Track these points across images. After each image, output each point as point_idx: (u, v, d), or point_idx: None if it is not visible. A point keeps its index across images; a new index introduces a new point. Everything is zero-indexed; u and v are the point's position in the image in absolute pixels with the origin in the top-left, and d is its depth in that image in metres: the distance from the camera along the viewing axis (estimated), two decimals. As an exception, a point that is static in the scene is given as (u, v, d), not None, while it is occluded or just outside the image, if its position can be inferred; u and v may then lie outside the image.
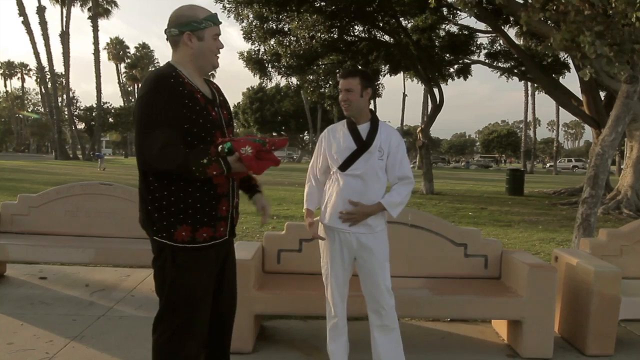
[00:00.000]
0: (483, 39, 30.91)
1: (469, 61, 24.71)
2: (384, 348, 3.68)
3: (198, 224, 2.69)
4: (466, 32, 22.96)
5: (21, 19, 52.51)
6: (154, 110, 2.57)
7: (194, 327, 2.77)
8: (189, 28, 2.71)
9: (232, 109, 3.06)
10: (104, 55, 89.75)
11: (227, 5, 19.80)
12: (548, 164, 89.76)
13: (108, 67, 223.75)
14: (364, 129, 3.61)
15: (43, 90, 69.17)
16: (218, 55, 2.85)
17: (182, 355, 2.74)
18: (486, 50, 24.33)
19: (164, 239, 2.67)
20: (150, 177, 2.65)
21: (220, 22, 2.84)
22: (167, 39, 2.80)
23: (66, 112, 62.64)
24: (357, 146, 3.57)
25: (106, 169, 35.35)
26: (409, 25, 22.75)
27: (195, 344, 2.79)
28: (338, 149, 3.61)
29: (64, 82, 63.94)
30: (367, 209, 3.53)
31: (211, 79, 3.03)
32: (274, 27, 21.07)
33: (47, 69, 59.12)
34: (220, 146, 2.67)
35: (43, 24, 54.28)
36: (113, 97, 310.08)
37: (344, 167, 3.58)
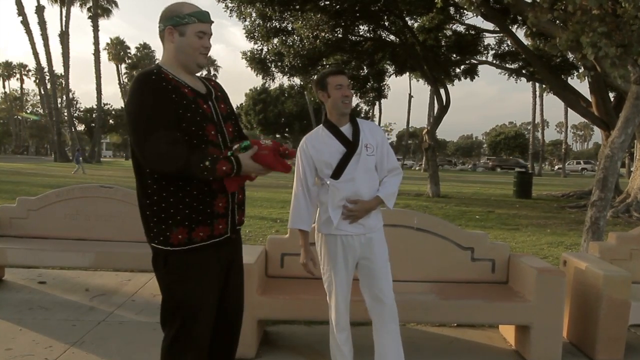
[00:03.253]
0: (490, 39, 30.88)
1: (475, 61, 24.62)
2: (388, 344, 3.63)
3: (193, 223, 2.62)
4: (473, 32, 22.88)
5: (20, 18, 52.59)
6: (143, 111, 2.53)
7: (193, 335, 2.71)
8: (171, 22, 2.66)
9: (234, 110, 2.99)
10: (104, 55, 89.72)
11: (229, 4, 19.70)
12: (556, 166, 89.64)
13: (108, 67, 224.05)
14: (347, 130, 3.56)
15: (42, 92, 68.63)
16: (203, 53, 2.75)
17: None
18: (493, 51, 24.23)
19: (159, 245, 2.63)
20: (148, 180, 2.59)
21: (209, 21, 2.74)
22: (159, 37, 2.77)
23: (66, 114, 62.59)
24: (347, 149, 3.51)
25: (77, 173, 32.84)
26: (415, 25, 22.66)
27: (195, 352, 2.73)
28: (329, 153, 3.53)
29: (64, 83, 64.00)
30: (367, 204, 3.50)
31: (210, 77, 2.97)
32: (277, 26, 20.96)
33: (46, 69, 59.27)
34: (237, 145, 2.67)
35: (42, 23, 54.30)
36: (113, 98, 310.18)
37: (336, 174, 3.51)
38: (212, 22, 2.78)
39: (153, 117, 2.52)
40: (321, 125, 3.66)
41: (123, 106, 77.03)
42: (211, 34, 2.77)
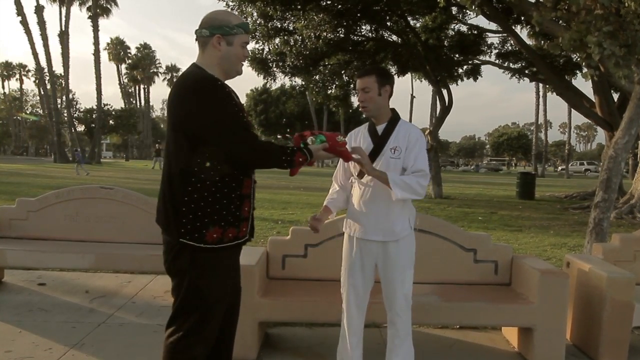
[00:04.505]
0: (493, 39, 30.81)
1: (478, 61, 24.56)
2: (394, 353, 3.60)
3: (227, 224, 2.77)
4: (476, 32, 22.81)
5: (19, 18, 52.20)
6: (228, 114, 2.73)
7: (206, 330, 2.81)
8: (220, 31, 2.79)
9: None
10: (104, 55, 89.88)
11: (230, 4, 19.60)
12: (560, 167, 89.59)
13: (108, 67, 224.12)
14: (381, 129, 3.54)
15: (42, 92, 68.01)
16: (243, 63, 2.94)
17: (189, 357, 2.79)
18: (496, 51, 24.16)
19: (190, 241, 2.72)
20: (192, 179, 2.69)
21: (251, 32, 2.85)
22: (196, 39, 2.88)
23: (65, 114, 62.23)
24: (374, 147, 3.50)
25: (80, 174, 32.40)
26: (418, 25, 22.61)
27: (204, 347, 2.84)
28: None
29: (63, 83, 63.62)
30: (370, 165, 3.40)
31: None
32: (279, 26, 20.88)
33: (46, 69, 58.99)
34: (311, 137, 3.01)
35: (41, 23, 53.80)
36: (114, 98, 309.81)
37: (361, 173, 3.51)
38: (251, 32, 2.88)
39: (237, 119, 2.75)
40: (367, 122, 3.69)
41: (123, 107, 76.81)
42: (249, 43, 2.95)
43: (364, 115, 3.78)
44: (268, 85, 63.04)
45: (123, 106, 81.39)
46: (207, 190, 2.70)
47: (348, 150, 3.17)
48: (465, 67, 25.01)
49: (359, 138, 3.62)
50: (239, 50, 2.84)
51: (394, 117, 3.57)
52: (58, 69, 63.32)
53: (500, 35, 23.27)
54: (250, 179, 2.87)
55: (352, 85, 24.49)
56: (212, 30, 2.78)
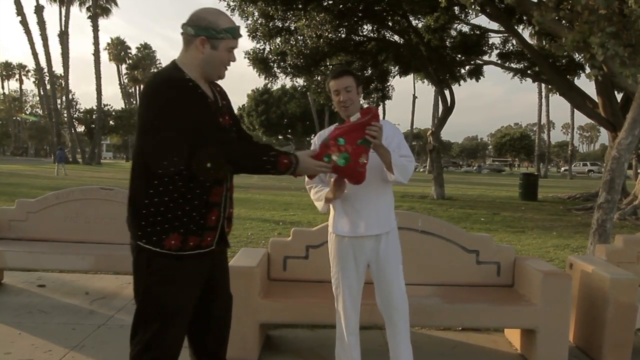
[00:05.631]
0: (495, 39, 30.74)
1: (481, 62, 24.49)
2: (399, 348, 3.58)
3: (188, 232, 2.62)
4: (478, 32, 22.75)
5: (19, 18, 52.27)
6: (185, 114, 2.53)
7: (166, 341, 2.68)
8: (205, 33, 2.63)
9: (236, 111, 2.99)
10: (104, 55, 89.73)
11: (231, 4, 19.62)
12: (562, 168, 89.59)
13: (109, 68, 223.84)
14: None
15: (42, 92, 67.94)
16: (227, 67, 2.77)
17: None
18: (498, 51, 24.09)
19: (148, 245, 2.59)
20: (154, 181, 2.56)
21: (240, 36, 2.74)
22: (181, 34, 2.71)
23: (65, 115, 62.25)
24: None
25: (59, 173, 33.09)
26: (420, 25, 22.57)
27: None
28: None
29: (63, 83, 63.76)
30: (381, 140, 3.25)
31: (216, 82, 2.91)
32: (280, 26, 20.89)
33: (45, 70, 59.10)
34: (336, 154, 2.91)
35: (41, 23, 53.90)
36: (114, 99, 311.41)
37: None
38: (241, 36, 2.77)
39: (211, 121, 2.63)
40: (337, 122, 3.63)
41: (123, 107, 76.67)
42: (236, 48, 2.78)
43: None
44: (269, 86, 63.06)
45: (123, 106, 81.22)
46: (168, 196, 2.56)
47: (365, 171, 3.06)
48: (467, 67, 24.96)
49: None
50: (223, 55, 2.69)
51: None
52: (58, 69, 63.55)
53: (503, 35, 23.22)
54: (222, 186, 2.72)
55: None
56: (197, 31, 2.62)
